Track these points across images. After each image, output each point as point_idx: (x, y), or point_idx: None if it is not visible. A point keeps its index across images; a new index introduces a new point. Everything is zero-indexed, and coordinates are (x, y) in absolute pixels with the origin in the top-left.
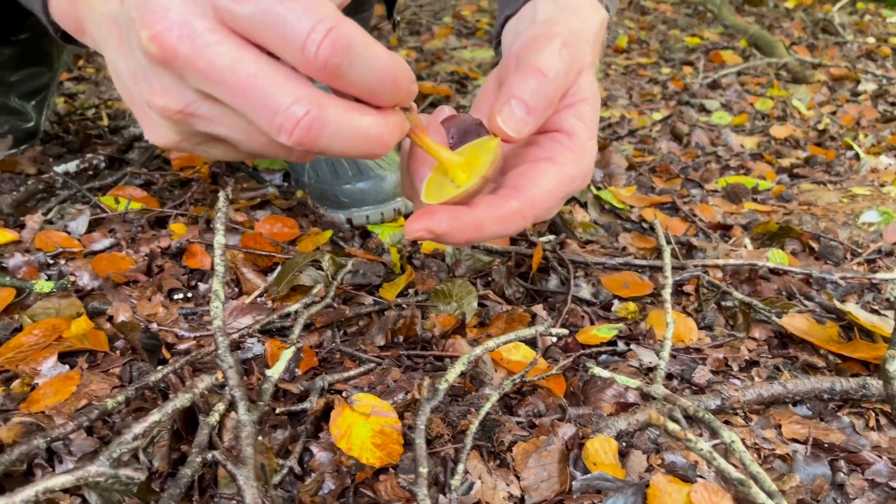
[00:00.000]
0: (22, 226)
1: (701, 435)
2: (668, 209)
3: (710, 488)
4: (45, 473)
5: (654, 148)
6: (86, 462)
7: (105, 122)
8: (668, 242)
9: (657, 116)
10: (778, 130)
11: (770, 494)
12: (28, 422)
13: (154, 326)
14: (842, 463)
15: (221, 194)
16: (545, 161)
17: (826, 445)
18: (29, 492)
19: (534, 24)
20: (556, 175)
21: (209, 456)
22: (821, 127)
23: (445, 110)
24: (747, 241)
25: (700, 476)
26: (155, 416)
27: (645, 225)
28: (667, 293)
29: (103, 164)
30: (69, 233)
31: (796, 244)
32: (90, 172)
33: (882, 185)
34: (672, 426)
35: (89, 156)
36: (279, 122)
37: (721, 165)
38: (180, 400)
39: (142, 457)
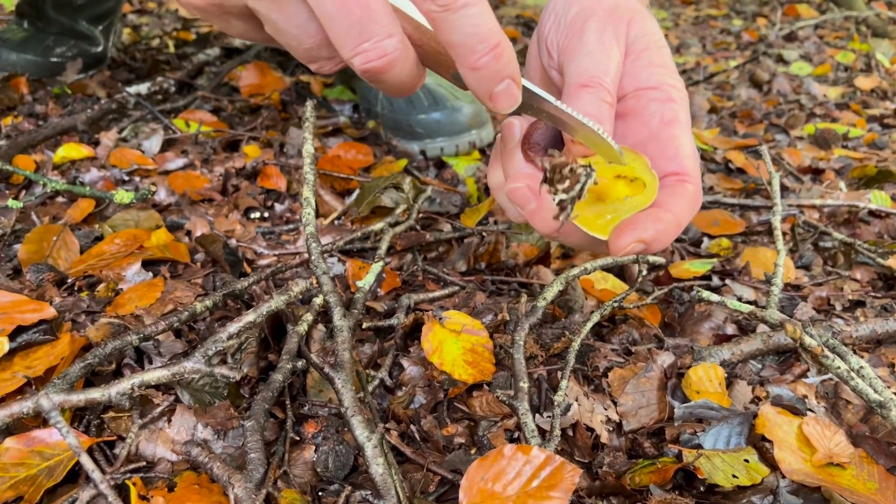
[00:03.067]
0: (97, 143)
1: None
2: (752, 152)
3: (821, 422)
4: (133, 374)
5: (733, 94)
6: (180, 359)
7: (171, 49)
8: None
9: (734, 64)
10: (863, 82)
11: None
12: (116, 323)
13: (233, 242)
14: None
15: (309, 103)
16: (667, 126)
17: None
18: (125, 384)
19: None
20: (686, 130)
21: (300, 363)
22: None
23: (515, 123)
24: (842, 184)
25: (810, 410)
26: (250, 317)
27: (732, 166)
28: (777, 220)
29: (173, 88)
30: (143, 151)
31: None
32: (160, 96)
33: None
34: (809, 340)
35: (159, 79)
36: (365, 48)
37: (806, 113)
38: (276, 301)
39: (230, 362)
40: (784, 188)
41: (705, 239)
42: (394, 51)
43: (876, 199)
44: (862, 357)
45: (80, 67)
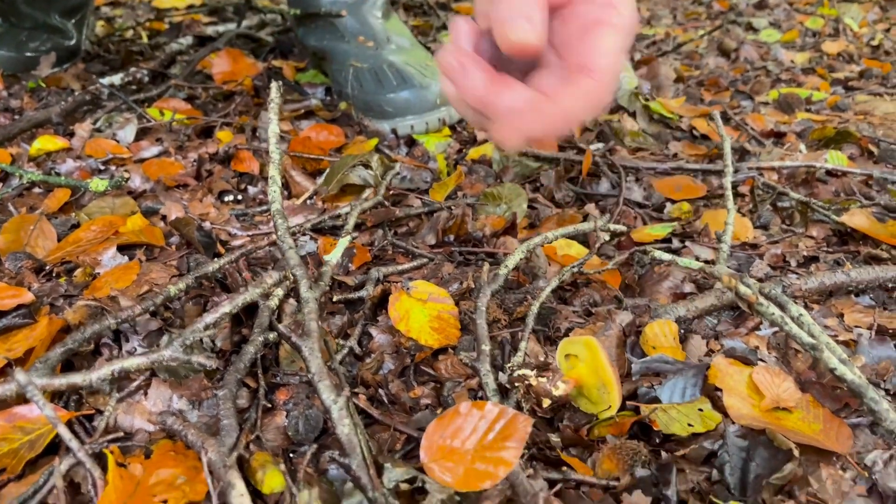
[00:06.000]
0: (72, 134)
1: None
2: None
3: (771, 371)
4: (112, 352)
5: (702, 63)
6: (157, 345)
7: (145, 40)
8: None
9: (702, 32)
10: (830, 46)
11: (842, 361)
12: (93, 305)
13: (207, 225)
14: None
15: (274, 85)
16: (599, 25)
17: (891, 331)
18: (105, 370)
19: None
20: (615, 36)
21: (271, 336)
22: (875, 43)
23: (460, 23)
24: (802, 146)
25: (761, 360)
26: (226, 308)
27: (696, 133)
28: (727, 181)
29: (146, 78)
30: (118, 141)
31: (854, 149)
32: (134, 86)
33: None
34: (743, 289)
35: (133, 69)
36: None
37: (772, 79)
38: (250, 294)
39: (206, 339)
40: (746, 152)
41: (668, 204)
42: None
43: (832, 158)
44: (812, 309)
45: (54, 61)
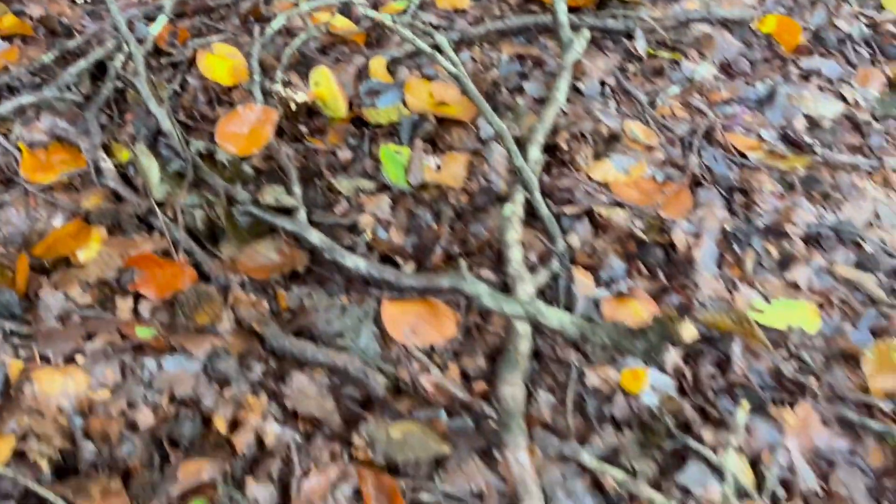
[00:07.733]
0: None
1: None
2: None
3: (445, 84)
4: (4, 100)
5: None
6: (41, 89)
7: None
8: None
9: None
10: None
11: (454, 64)
12: None
13: (65, 20)
14: (529, 63)
15: None
16: None
17: (524, 56)
18: (10, 105)
19: None
20: None
21: (119, 83)
22: None
23: None
24: None
25: (443, 80)
26: (83, 64)
27: None
28: None
29: None
30: None
31: None
32: None
33: None
34: (403, 31)
35: None
36: None
37: None
38: (97, 53)
39: (73, 87)
40: None
41: None
42: None
43: None
44: (485, 46)
45: None
